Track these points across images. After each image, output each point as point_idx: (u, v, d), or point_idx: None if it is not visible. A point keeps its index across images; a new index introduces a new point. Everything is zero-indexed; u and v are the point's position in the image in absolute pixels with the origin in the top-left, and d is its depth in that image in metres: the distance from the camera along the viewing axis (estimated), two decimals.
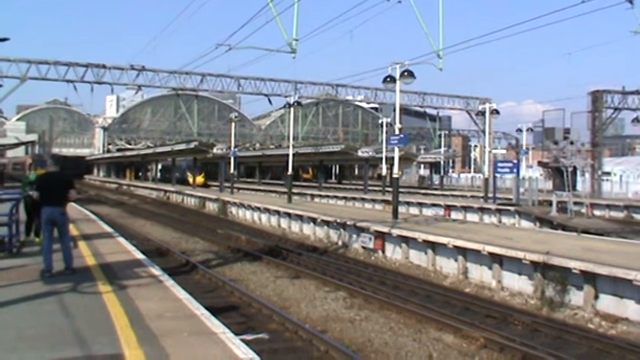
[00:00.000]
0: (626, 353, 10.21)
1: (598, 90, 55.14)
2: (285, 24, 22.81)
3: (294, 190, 41.32)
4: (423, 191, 56.97)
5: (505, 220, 31.57)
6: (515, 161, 36.62)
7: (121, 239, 17.45)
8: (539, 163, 35.55)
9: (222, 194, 44.45)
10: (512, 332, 11.50)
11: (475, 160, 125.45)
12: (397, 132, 25.82)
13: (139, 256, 13.99)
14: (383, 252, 20.77)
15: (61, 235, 11.36)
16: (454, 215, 34.75)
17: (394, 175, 26.01)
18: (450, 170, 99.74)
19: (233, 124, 50.24)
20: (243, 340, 7.46)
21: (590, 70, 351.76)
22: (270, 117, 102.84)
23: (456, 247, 17.14)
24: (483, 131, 62.66)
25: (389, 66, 24.40)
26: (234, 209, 37.76)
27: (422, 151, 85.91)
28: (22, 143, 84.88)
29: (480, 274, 16.39)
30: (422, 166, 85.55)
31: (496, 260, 15.68)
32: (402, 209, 30.19)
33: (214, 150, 52.53)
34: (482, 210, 34.09)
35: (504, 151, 56.89)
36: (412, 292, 15.12)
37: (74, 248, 14.15)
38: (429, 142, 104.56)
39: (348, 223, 23.14)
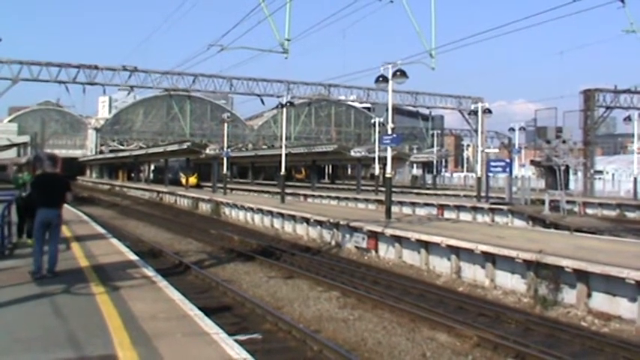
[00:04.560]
0: (619, 351, 10.24)
1: (590, 89, 55.37)
2: (278, 24, 22.78)
3: (287, 191, 41.33)
4: (415, 191, 57.08)
5: (498, 219, 31.64)
6: (507, 160, 36.72)
7: (114, 240, 17.41)
8: (532, 162, 35.64)
9: (215, 195, 44.41)
10: (506, 331, 11.51)
11: (468, 159, 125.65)
12: (390, 132, 25.84)
13: (132, 257, 13.96)
14: (376, 252, 20.79)
15: (51, 236, 11.15)
16: (447, 215, 34.79)
17: (387, 175, 26.03)
18: (443, 170, 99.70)
19: (225, 125, 50.23)
20: (236, 341, 7.46)
21: (582, 69, 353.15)
22: (263, 117, 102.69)
23: (449, 246, 17.17)
24: (476, 130, 62.83)
25: (381, 66, 24.43)
26: (227, 210, 37.72)
27: (414, 151, 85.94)
28: (14, 145, 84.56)
29: (473, 273, 16.42)
30: (415, 165, 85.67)
31: (489, 259, 15.71)
32: (395, 209, 30.19)
33: (207, 150, 52.55)
34: (475, 209, 34.14)
35: (497, 151, 57.01)
36: (405, 292, 15.14)
37: (67, 250, 14.16)
38: (422, 142, 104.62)
39: (341, 223, 23.14)
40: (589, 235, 21.12)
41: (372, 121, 59.58)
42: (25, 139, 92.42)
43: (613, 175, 64.61)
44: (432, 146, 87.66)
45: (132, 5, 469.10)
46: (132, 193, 64.53)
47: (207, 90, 75.11)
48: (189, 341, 7.21)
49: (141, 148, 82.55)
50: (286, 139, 42.02)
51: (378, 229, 20.64)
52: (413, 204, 39.06)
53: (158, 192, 56.40)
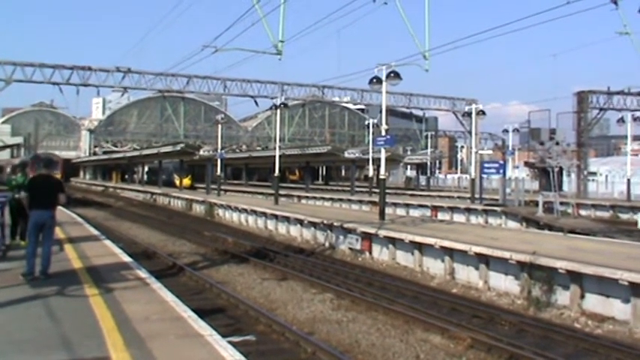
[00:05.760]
0: (612, 352, 10.27)
1: (583, 90, 55.44)
2: (272, 25, 22.80)
3: (281, 192, 41.26)
4: (409, 192, 57.05)
5: (492, 220, 31.65)
6: (501, 162, 36.77)
7: (108, 242, 17.38)
8: (526, 164, 35.71)
9: (209, 196, 44.32)
10: (499, 332, 11.54)
11: (462, 160, 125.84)
12: (384, 133, 25.87)
13: (126, 258, 13.94)
14: (370, 253, 20.79)
15: (45, 238, 11.16)
16: (441, 216, 34.79)
17: (381, 177, 26.03)
18: (437, 171, 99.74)
19: (219, 126, 50.10)
20: (230, 342, 7.46)
21: (576, 71, 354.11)
22: (257, 119, 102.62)
23: (442, 247, 17.18)
24: (470, 132, 62.87)
25: (375, 67, 24.44)
26: (221, 211, 37.67)
27: (408, 152, 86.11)
28: (8, 146, 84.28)
29: (467, 274, 16.43)
30: (408, 167, 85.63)
31: (483, 261, 15.73)
32: (388, 210, 30.22)
33: (201, 152, 52.38)
34: (468, 211, 34.15)
35: (491, 152, 57.13)
36: (399, 293, 15.14)
37: (60, 251, 14.12)
38: (416, 143, 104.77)
39: (335, 224, 23.14)
40: (582, 236, 21.17)
41: (366, 122, 59.56)
42: (19, 140, 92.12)
43: (606, 176, 64.63)
44: (426, 148, 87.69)
45: (126, 6, 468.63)
46: (125, 194, 64.39)
47: (201, 91, 74.84)
48: (182, 343, 7.20)
49: (134, 149, 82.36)
50: (280, 140, 41.99)
51: (372, 231, 20.64)
52: (407, 205, 39.04)
53: (152, 193, 56.29)
